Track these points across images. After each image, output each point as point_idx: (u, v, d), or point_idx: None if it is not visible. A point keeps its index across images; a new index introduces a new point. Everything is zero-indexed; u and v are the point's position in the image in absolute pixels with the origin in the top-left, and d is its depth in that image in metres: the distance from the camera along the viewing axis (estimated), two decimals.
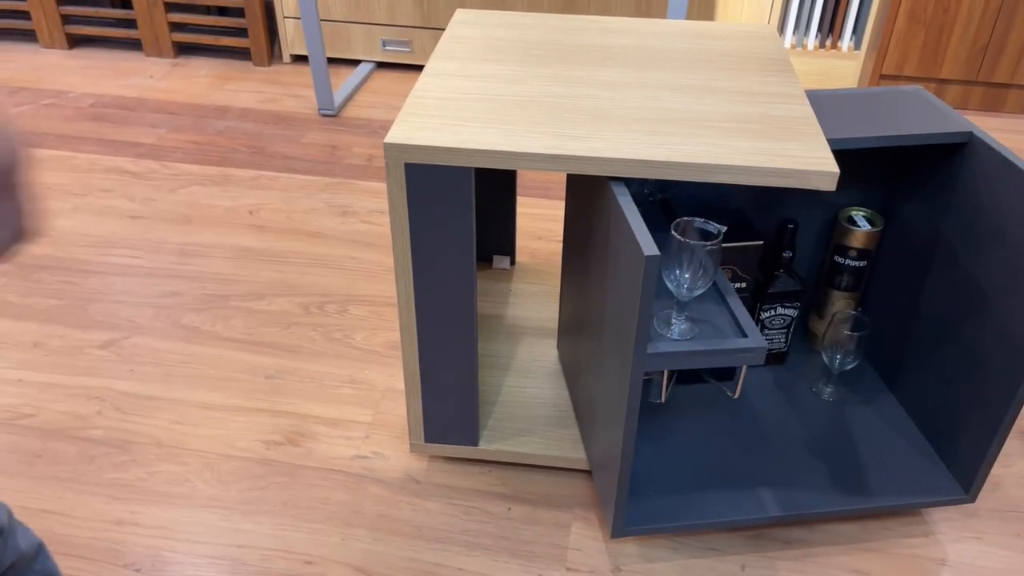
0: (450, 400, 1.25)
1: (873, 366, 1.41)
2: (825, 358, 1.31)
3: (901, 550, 1.23)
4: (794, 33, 2.71)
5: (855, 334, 1.27)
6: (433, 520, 1.26)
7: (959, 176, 1.15)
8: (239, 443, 1.39)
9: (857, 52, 2.70)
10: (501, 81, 1.16)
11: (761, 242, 1.23)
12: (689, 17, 2.54)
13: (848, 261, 1.33)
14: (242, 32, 2.84)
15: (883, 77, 2.58)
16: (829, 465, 1.25)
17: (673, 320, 1.03)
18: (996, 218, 1.08)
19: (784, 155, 0.98)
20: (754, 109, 1.09)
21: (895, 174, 1.31)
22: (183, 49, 2.92)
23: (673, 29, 1.36)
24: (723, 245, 1.23)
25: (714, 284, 1.10)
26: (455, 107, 1.09)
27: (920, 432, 1.29)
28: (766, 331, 1.37)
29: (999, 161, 1.07)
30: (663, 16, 2.43)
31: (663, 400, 1.11)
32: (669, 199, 1.26)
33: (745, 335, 1.01)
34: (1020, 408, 1.08)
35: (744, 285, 1.27)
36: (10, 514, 0.84)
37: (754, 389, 1.39)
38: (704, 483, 1.23)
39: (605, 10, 2.57)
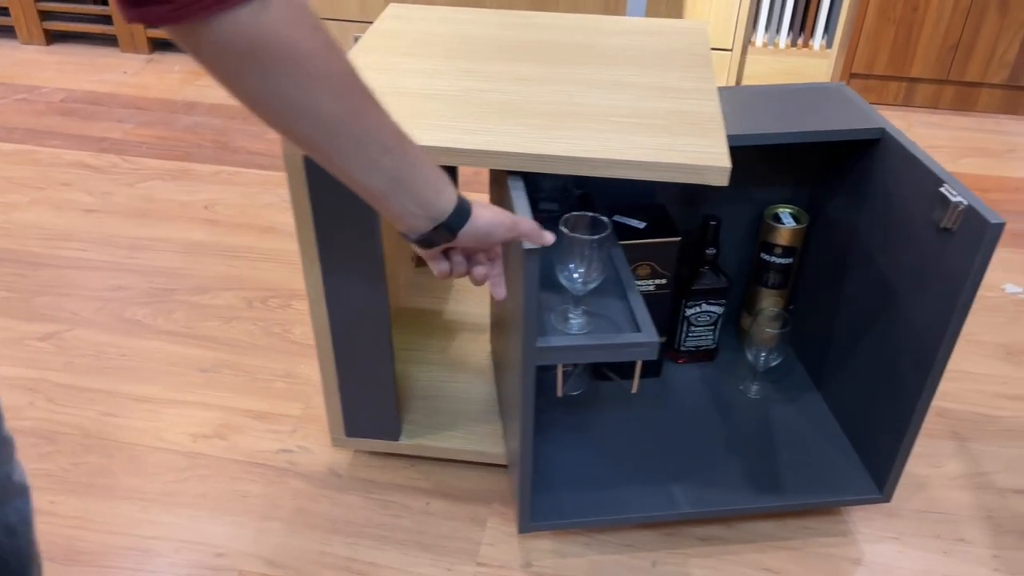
0: (368, 395, 1.25)
1: (802, 364, 1.40)
2: (750, 356, 1.30)
3: (817, 549, 1.22)
4: (766, 31, 2.69)
5: (777, 331, 1.26)
6: (350, 514, 1.26)
7: (873, 173, 1.15)
8: (167, 436, 1.40)
9: (829, 51, 2.68)
10: (416, 76, 1.16)
11: (679, 238, 1.22)
12: (656, 16, 2.53)
13: (774, 258, 1.32)
14: None
15: (853, 76, 2.56)
16: (746, 463, 1.24)
17: (570, 315, 1.03)
18: (904, 216, 1.07)
19: (679, 150, 0.98)
20: (663, 105, 1.09)
21: (821, 172, 1.30)
22: (158, 45, 2.93)
23: (605, 25, 1.35)
24: (641, 241, 1.23)
25: (618, 280, 1.10)
26: None
27: (842, 431, 1.28)
28: (692, 328, 1.36)
29: (907, 159, 1.06)
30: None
31: (560, 395, 1.11)
32: (589, 194, 1.26)
33: (639, 330, 1.01)
34: (928, 406, 1.07)
35: (664, 281, 1.27)
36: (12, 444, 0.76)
37: (681, 386, 1.38)
38: (618, 479, 1.22)
39: (574, 7, 2.57)
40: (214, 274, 1.79)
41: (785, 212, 1.31)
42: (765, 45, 2.71)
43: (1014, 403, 1.48)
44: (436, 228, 0.74)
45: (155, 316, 1.67)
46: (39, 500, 1.28)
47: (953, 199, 0.95)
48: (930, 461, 1.37)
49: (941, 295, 1.00)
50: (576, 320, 1.02)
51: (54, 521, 1.25)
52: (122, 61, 2.83)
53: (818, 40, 2.68)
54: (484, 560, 1.20)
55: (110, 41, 2.96)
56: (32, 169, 2.17)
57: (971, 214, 0.93)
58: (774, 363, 1.29)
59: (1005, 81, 2.48)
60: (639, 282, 1.27)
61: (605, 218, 0.98)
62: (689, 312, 1.34)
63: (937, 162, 1.02)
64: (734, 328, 1.48)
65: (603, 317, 1.05)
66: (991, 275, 1.81)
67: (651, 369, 1.38)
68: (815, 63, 2.68)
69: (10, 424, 1.40)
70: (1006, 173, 2.23)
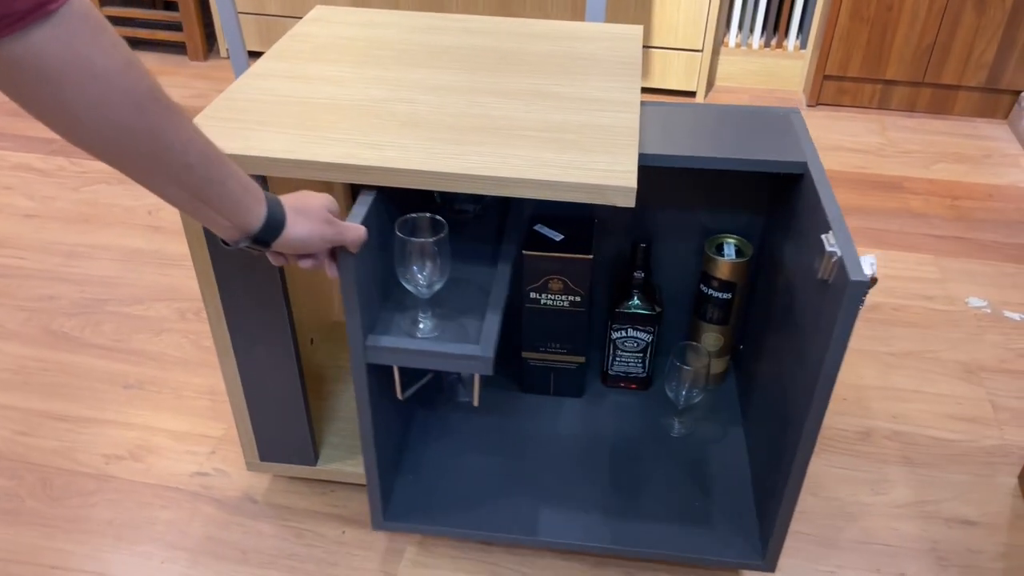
0: (279, 416, 1.20)
1: (740, 399, 1.33)
2: (668, 391, 1.23)
3: None
4: (739, 32, 2.62)
5: (686, 367, 1.19)
6: (261, 543, 1.21)
7: (796, 211, 1.07)
8: (80, 456, 1.34)
9: (803, 52, 2.61)
10: (324, 83, 1.10)
11: (591, 256, 1.16)
12: (624, 20, 2.46)
13: (712, 292, 1.24)
14: (178, 26, 2.79)
15: (827, 78, 2.49)
16: (635, 501, 1.15)
17: (420, 319, 0.99)
18: (806, 260, 1.00)
19: (586, 168, 0.91)
20: (578, 117, 1.02)
21: (770, 204, 1.23)
22: None
23: (537, 30, 1.29)
24: (551, 255, 1.17)
25: (488, 293, 1.04)
26: (259, 110, 1.03)
27: (751, 481, 1.20)
28: (619, 352, 1.30)
29: (815, 199, 0.98)
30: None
31: (401, 398, 1.06)
32: (509, 199, 1.20)
33: (478, 343, 0.96)
34: (803, 468, 0.98)
35: (579, 299, 1.20)
36: None
37: (602, 411, 1.31)
38: (493, 494, 1.17)
39: (541, 11, 2.50)
40: (149, 283, 1.73)
41: (730, 243, 1.23)
42: (739, 46, 2.63)
43: (968, 425, 1.42)
44: (247, 241, 0.75)
45: (83, 328, 1.61)
46: None
47: (828, 248, 0.87)
48: (874, 488, 1.31)
49: (817, 352, 0.93)
50: (425, 324, 0.99)
51: None
52: None
53: (792, 41, 2.61)
54: None
55: None
56: None
57: (841, 267, 0.85)
58: (695, 400, 1.22)
59: (982, 84, 2.41)
60: (551, 296, 1.20)
61: (441, 219, 0.94)
62: (615, 336, 1.28)
63: (838, 206, 0.93)
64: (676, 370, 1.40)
65: (455, 326, 1.00)
66: (954, 288, 1.75)
67: (573, 388, 1.32)
68: (789, 64, 2.61)
69: None
70: (979, 180, 2.16)
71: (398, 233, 0.91)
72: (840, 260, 0.85)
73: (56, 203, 1.99)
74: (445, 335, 0.99)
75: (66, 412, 1.42)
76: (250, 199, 0.73)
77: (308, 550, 1.20)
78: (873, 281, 0.87)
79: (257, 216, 0.74)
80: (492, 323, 0.99)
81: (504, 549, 1.20)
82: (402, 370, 1.05)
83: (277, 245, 0.78)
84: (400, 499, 1.16)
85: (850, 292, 0.83)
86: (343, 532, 1.22)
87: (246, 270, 1.05)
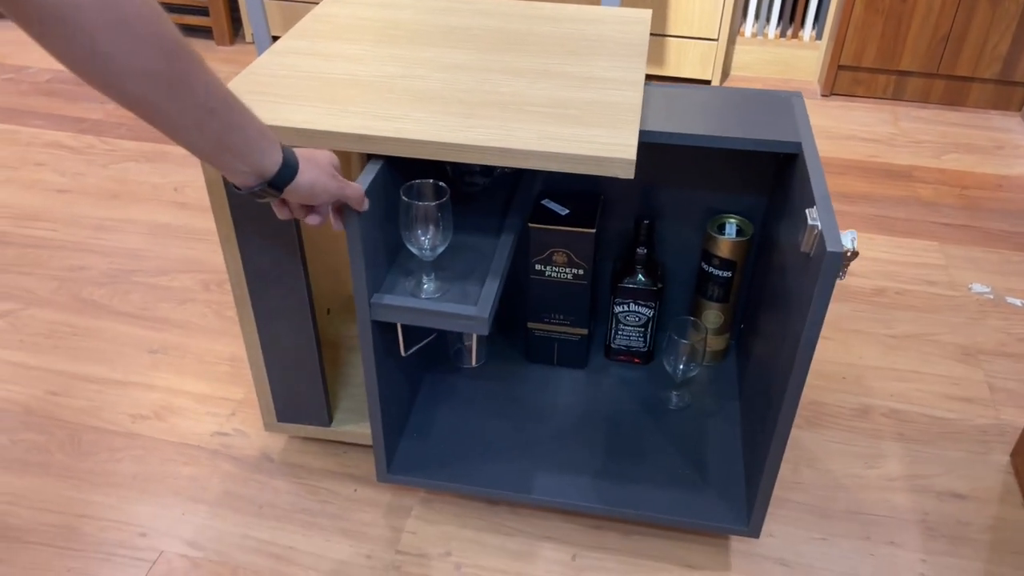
0: (296, 380, 1.26)
1: (739, 377, 1.37)
2: (666, 365, 1.28)
3: (741, 546, 1.21)
4: (755, 21, 2.65)
5: (683, 341, 1.24)
6: (277, 499, 1.27)
7: (790, 190, 1.11)
8: (107, 415, 1.41)
9: (819, 42, 2.63)
10: (342, 61, 1.15)
11: (594, 230, 1.21)
12: (641, 6, 2.50)
13: (712, 270, 1.29)
14: (205, 11, 2.86)
15: (842, 68, 2.51)
16: (625, 467, 1.21)
17: (424, 280, 1.05)
18: (797, 235, 1.04)
19: (587, 142, 0.96)
20: (583, 95, 1.07)
21: (771, 185, 1.27)
22: None
23: (547, 13, 1.33)
24: (555, 228, 1.22)
25: (491, 259, 1.09)
26: (281, 85, 1.09)
27: (742, 453, 1.25)
28: (621, 326, 1.35)
29: (805, 176, 1.02)
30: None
31: (404, 355, 1.12)
32: (521, 172, 1.25)
33: (476, 305, 1.02)
34: (783, 439, 1.02)
35: (581, 272, 1.25)
36: None
37: (603, 382, 1.36)
38: (490, 453, 1.23)
39: None
40: (175, 256, 1.80)
41: (731, 223, 1.27)
42: (754, 35, 2.66)
43: (964, 405, 1.46)
44: (263, 185, 0.79)
45: (111, 297, 1.68)
46: None
47: (810, 222, 0.91)
48: (868, 462, 1.35)
49: (798, 323, 0.97)
50: (428, 286, 1.04)
51: None
52: None
53: (808, 31, 2.63)
54: (404, 548, 1.20)
55: None
56: (9, 149, 2.20)
57: (821, 239, 0.89)
58: (691, 373, 1.27)
59: (997, 75, 2.42)
60: (555, 268, 1.26)
61: (444, 185, 0.99)
62: (618, 310, 1.33)
63: (826, 184, 0.98)
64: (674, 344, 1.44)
65: (456, 289, 1.05)
66: (958, 274, 1.78)
67: (576, 359, 1.37)
68: (804, 54, 2.64)
69: None
70: (989, 170, 2.18)
71: (403, 197, 0.97)
72: (820, 233, 0.89)
73: (86, 179, 2.07)
74: (446, 296, 1.04)
75: (94, 374, 1.49)
76: (266, 143, 0.77)
77: (321, 506, 1.26)
78: (853, 255, 0.91)
79: (273, 160, 0.78)
80: (491, 287, 1.04)
81: (507, 508, 1.25)
82: (405, 329, 1.11)
83: (288, 192, 0.81)
84: (405, 455, 1.22)
85: (827, 262, 0.87)
86: (355, 490, 1.28)
87: (268, 242, 1.11)
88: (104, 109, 2.41)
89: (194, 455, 1.34)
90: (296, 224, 1.10)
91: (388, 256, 1.08)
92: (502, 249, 1.11)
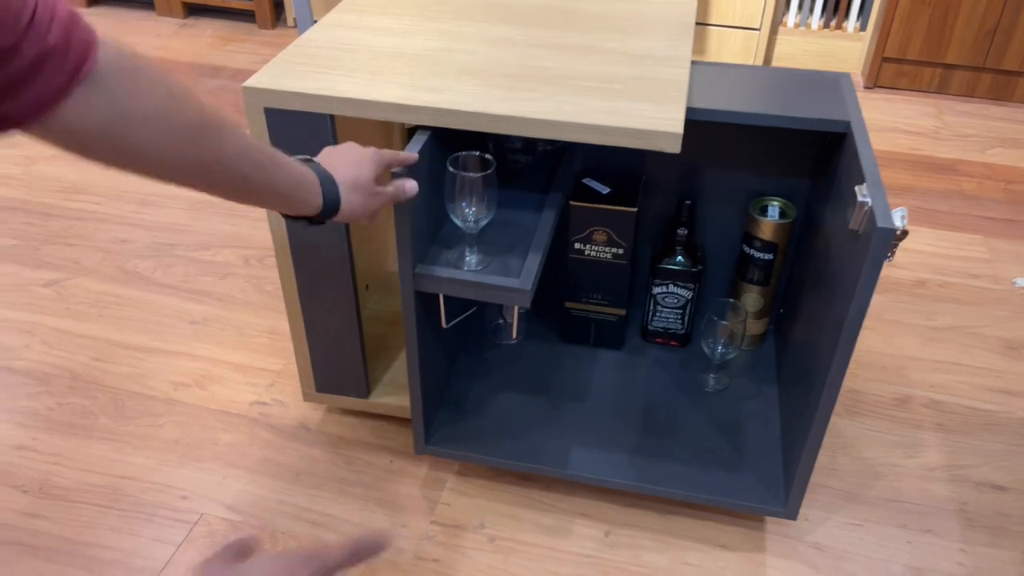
0: (337, 351, 1.27)
1: (777, 361, 1.36)
2: (705, 347, 1.27)
3: (776, 529, 1.20)
4: (798, 12, 2.62)
5: (722, 323, 1.23)
6: (314, 467, 1.29)
7: (838, 170, 1.10)
8: (150, 382, 1.44)
9: (863, 34, 2.60)
10: (388, 34, 1.16)
11: (635, 209, 1.21)
12: None
13: (753, 252, 1.28)
14: None
15: (886, 60, 2.48)
16: (659, 446, 1.21)
17: (467, 253, 1.06)
18: (845, 214, 1.03)
19: (633, 115, 0.96)
20: (628, 71, 1.07)
21: (815, 167, 1.26)
22: (193, 10, 2.99)
23: None
24: (594, 205, 1.22)
25: (533, 234, 1.09)
26: (327, 56, 1.10)
27: (780, 436, 1.24)
28: (659, 308, 1.34)
29: (854, 155, 1.01)
30: None
31: (445, 327, 1.13)
32: (561, 151, 1.25)
33: (519, 277, 1.02)
34: (824, 423, 1.02)
35: (621, 251, 1.25)
36: None
37: (640, 363, 1.36)
38: (528, 429, 1.24)
39: None
40: (217, 232, 1.83)
41: (773, 205, 1.27)
42: (797, 26, 2.63)
43: (1005, 397, 1.43)
44: (305, 224, 0.84)
45: (155, 269, 1.71)
46: (22, 437, 1.33)
47: (860, 198, 0.90)
48: (907, 451, 1.33)
49: (844, 302, 0.96)
50: (470, 259, 1.05)
51: (34, 456, 1.30)
52: (156, 25, 2.90)
53: (852, 22, 2.60)
54: (439, 519, 1.21)
55: (147, 4, 3.03)
56: None
57: (871, 216, 0.88)
58: (729, 356, 1.26)
59: None
60: (595, 247, 1.26)
61: (490, 157, 0.99)
62: (656, 291, 1.33)
63: (876, 163, 0.97)
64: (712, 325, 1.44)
65: (499, 262, 1.06)
66: (1002, 268, 1.75)
67: (613, 340, 1.37)
68: (848, 45, 2.60)
69: (6, 364, 1.46)
70: None
71: (449, 168, 0.97)
72: (870, 209, 0.89)
73: None
74: (489, 269, 1.05)
75: (137, 343, 1.52)
76: (305, 192, 0.79)
77: (357, 475, 1.27)
78: (903, 234, 0.90)
79: (313, 206, 0.81)
80: (534, 261, 1.04)
81: (541, 485, 1.26)
82: (447, 301, 1.12)
83: (339, 218, 0.85)
84: (442, 428, 1.23)
85: (877, 238, 0.86)
86: (391, 461, 1.30)
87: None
88: None
89: (233, 423, 1.36)
90: None
91: (432, 228, 1.09)
92: (544, 224, 1.12)
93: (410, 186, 0.94)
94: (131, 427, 1.35)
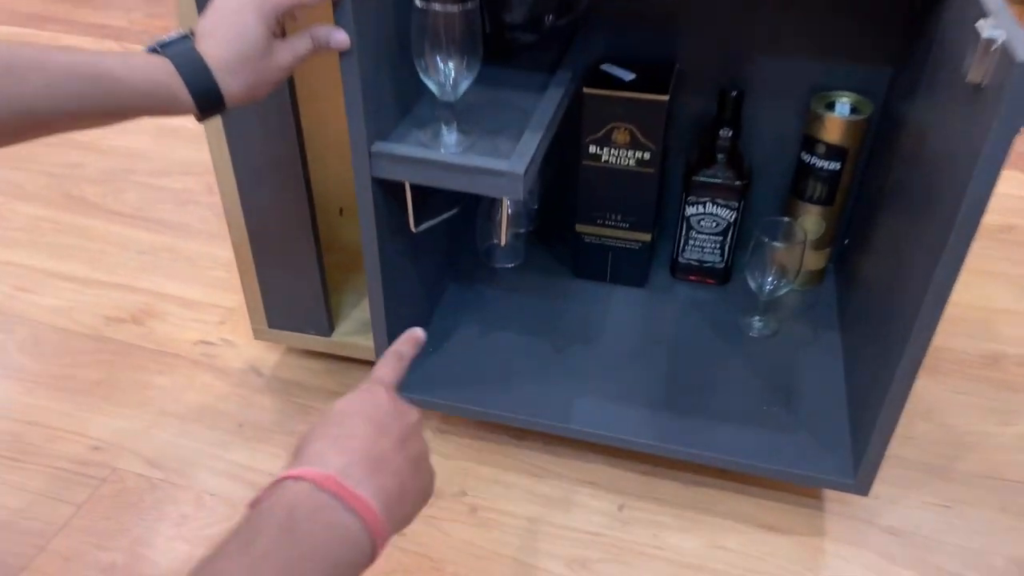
0: (291, 279, 1.03)
1: (840, 302, 1.10)
2: (750, 281, 1.01)
3: (838, 509, 0.94)
4: None
5: (776, 244, 0.97)
6: (260, 416, 1.05)
7: (935, 41, 0.83)
8: (79, 316, 1.21)
9: None
10: None
11: (667, 98, 0.95)
12: None
13: (815, 160, 1.01)
14: None
15: None
16: (689, 400, 0.94)
17: (443, 131, 0.80)
18: (947, 100, 0.76)
19: None
20: None
21: (897, 54, 0.99)
22: None
23: None
24: (617, 94, 0.96)
25: (530, 115, 0.84)
26: None
27: (845, 391, 0.97)
28: (694, 234, 1.08)
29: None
30: None
31: (415, 230, 0.88)
32: (576, 22, 0.99)
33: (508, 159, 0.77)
34: (912, 373, 0.76)
35: (648, 156, 0.99)
36: None
37: (667, 303, 1.10)
38: (521, 377, 0.98)
39: None
40: (180, 157, 1.59)
41: (843, 100, 1.00)
42: None
43: None
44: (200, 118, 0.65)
45: (104, 195, 1.48)
46: None
47: (986, 34, 0.63)
48: (1002, 418, 1.06)
49: (953, 192, 0.70)
50: (448, 137, 0.80)
51: None
52: None
53: None
54: None
55: None
56: None
57: (1004, 52, 0.61)
58: (781, 292, 1.00)
59: None
60: (615, 151, 1.00)
61: None
62: (691, 211, 1.07)
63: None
64: (762, 250, 1.17)
65: (485, 143, 0.81)
66: None
67: (635, 275, 1.11)
68: None
69: None
70: None
71: (416, 2, 0.72)
72: (1003, 45, 0.62)
73: None
74: (471, 150, 0.80)
75: (72, 272, 1.29)
76: (161, 97, 0.61)
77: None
78: None
79: (183, 107, 0.62)
80: (530, 141, 0.79)
81: (539, 444, 1.01)
82: (417, 195, 0.87)
83: (231, 103, 0.65)
84: (417, 370, 0.98)
85: (1018, 78, 0.59)
86: None
87: (262, 128, 0.90)
88: (129, 17, 2.23)
89: (170, 364, 1.13)
90: (294, 109, 0.89)
91: (402, 103, 0.84)
92: (548, 103, 0.86)
93: (336, 38, 0.69)
94: (48, 365, 1.12)
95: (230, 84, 0.63)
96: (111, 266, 1.31)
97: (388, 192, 0.84)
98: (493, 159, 0.77)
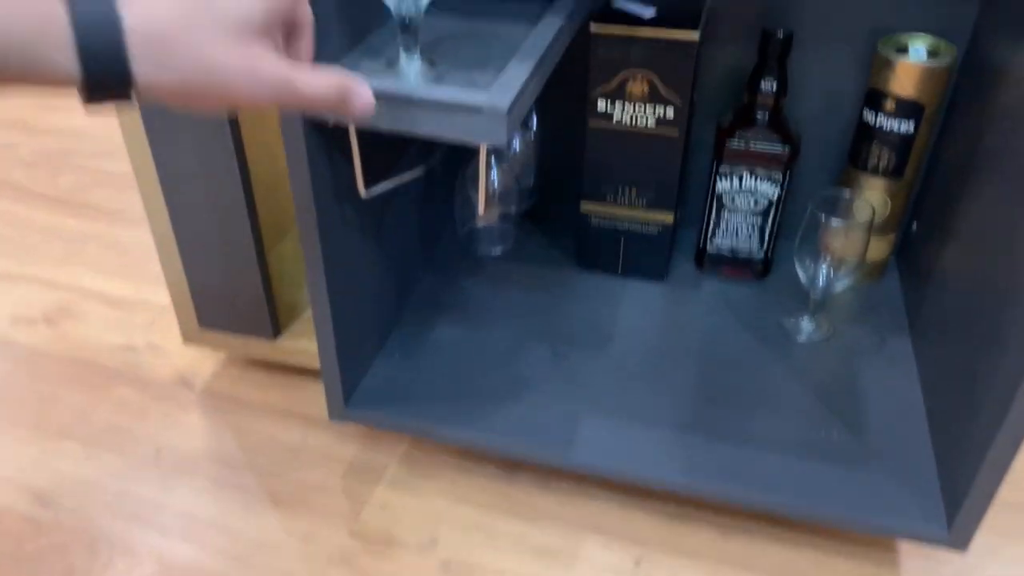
0: (225, 271, 0.83)
1: (906, 299, 0.89)
2: (800, 272, 0.81)
3: (912, 561, 0.73)
4: None
5: (835, 221, 0.76)
6: (184, 441, 0.84)
7: None
8: None
9: None
10: None
11: (696, 37, 0.74)
12: None
13: (882, 119, 0.80)
14: None
15: None
16: (724, 426, 0.73)
17: (402, 57, 0.59)
18: None
19: None
20: None
21: None
22: None
23: None
24: (634, 34, 0.75)
25: (524, 45, 0.63)
26: None
27: (924, 412, 0.76)
28: (727, 214, 0.87)
29: None
30: None
31: (365, 196, 0.66)
32: None
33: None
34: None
35: (672, 113, 0.78)
36: None
37: (694, 301, 0.89)
38: (510, 393, 0.76)
39: None
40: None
41: (917, 44, 0.79)
42: None
43: None
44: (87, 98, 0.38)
45: (35, 178, 1.28)
46: None
47: None
48: None
49: None
50: (409, 65, 0.59)
51: None
52: None
53: None
54: (364, 529, 0.75)
55: None
56: None
57: None
58: (840, 286, 0.80)
59: None
60: (631, 107, 0.79)
61: None
62: (723, 186, 0.86)
63: None
64: (816, 233, 0.95)
65: (458, 76, 0.60)
66: None
67: (651, 266, 0.90)
68: None
69: None
70: None
71: None
72: None
73: None
74: (438, 82, 0.59)
75: None
76: (28, 52, 0.36)
77: (248, 456, 0.82)
78: None
79: (60, 74, 0.36)
80: (517, 73, 0.58)
81: (530, 480, 0.80)
82: (370, 151, 0.66)
83: (144, 98, 0.39)
84: (379, 383, 0.77)
85: None
86: (304, 437, 0.84)
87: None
88: None
89: (82, 374, 0.92)
90: None
91: (349, 27, 0.63)
92: (542, 34, 0.66)
93: (361, 99, 0.47)
94: None
95: (150, 67, 0.38)
96: (30, 257, 1.11)
97: (331, 143, 0.63)
98: (468, 90, 0.56)
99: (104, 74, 0.37)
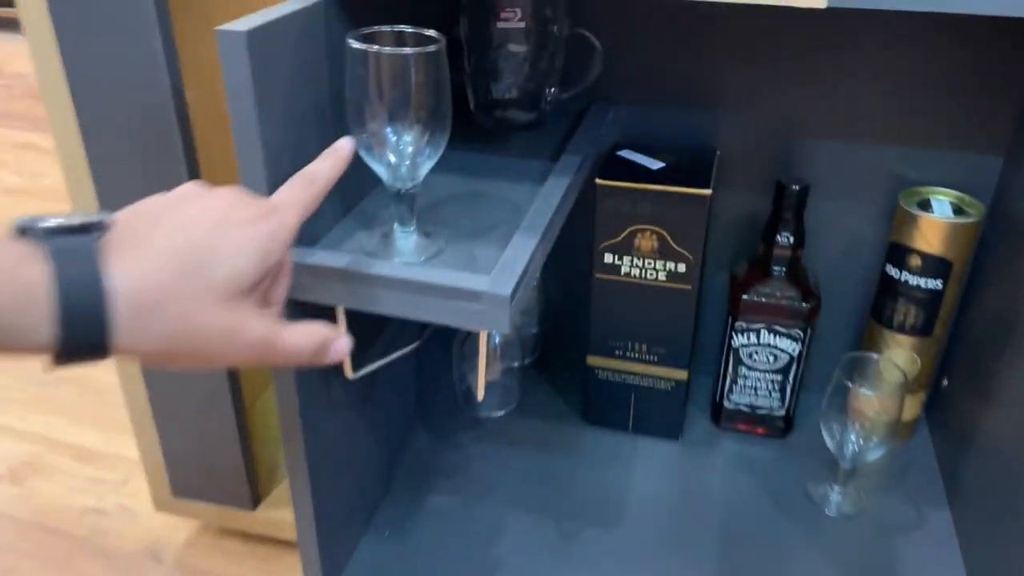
0: (202, 436, 0.76)
1: (940, 461, 0.82)
2: (828, 440, 0.74)
3: None
4: None
5: (865, 392, 0.70)
6: None
7: None
8: None
9: None
10: None
11: (708, 192, 0.70)
12: None
13: (908, 276, 0.76)
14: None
15: None
16: None
17: (396, 232, 0.54)
18: None
19: None
20: None
21: (1013, 139, 0.75)
22: None
23: None
24: (642, 187, 0.71)
25: (527, 212, 0.58)
26: None
27: None
28: (745, 371, 0.81)
29: None
30: None
31: (352, 376, 0.60)
32: (582, 108, 0.76)
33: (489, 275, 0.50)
34: None
35: (684, 269, 0.74)
36: None
37: (710, 465, 0.82)
38: (514, 573, 0.68)
39: None
40: None
41: (940, 198, 0.76)
42: None
43: None
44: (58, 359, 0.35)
45: None
46: None
47: None
48: None
49: None
50: (403, 241, 0.54)
51: None
52: None
53: None
54: None
55: None
56: None
57: None
58: (872, 455, 0.73)
59: None
60: (640, 261, 0.75)
61: (434, 33, 0.50)
62: (740, 341, 0.80)
63: None
64: (843, 399, 0.88)
65: (457, 251, 0.55)
66: None
67: (664, 425, 0.84)
68: None
69: None
70: None
71: (351, 43, 0.48)
72: None
73: (43, 180, 1.67)
74: (436, 261, 0.54)
75: None
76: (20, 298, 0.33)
77: None
78: None
79: (33, 341, 0.34)
80: (522, 248, 0.53)
81: None
82: (354, 327, 0.60)
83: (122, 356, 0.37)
84: (365, 564, 0.70)
85: None
86: None
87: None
88: None
89: (47, 542, 0.84)
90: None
91: (339, 194, 0.59)
92: (548, 198, 0.61)
93: (337, 351, 0.45)
94: None
95: (131, 334, 0.35)
96: (4, 402, 1.04)
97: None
98: (467, 274, 0.51)
99: (82, 342, 0.34)
